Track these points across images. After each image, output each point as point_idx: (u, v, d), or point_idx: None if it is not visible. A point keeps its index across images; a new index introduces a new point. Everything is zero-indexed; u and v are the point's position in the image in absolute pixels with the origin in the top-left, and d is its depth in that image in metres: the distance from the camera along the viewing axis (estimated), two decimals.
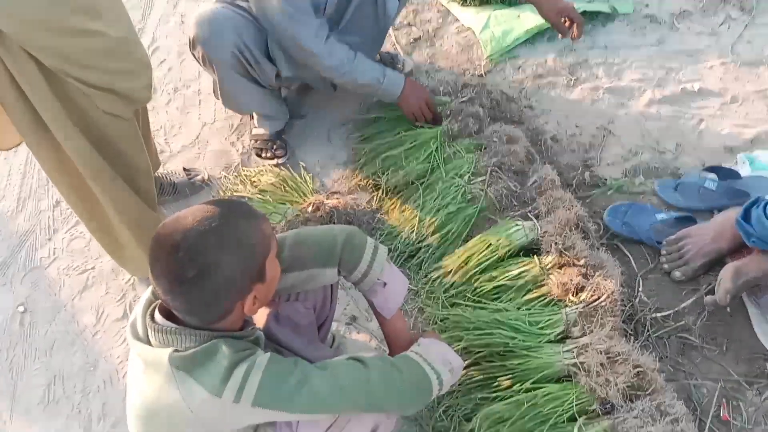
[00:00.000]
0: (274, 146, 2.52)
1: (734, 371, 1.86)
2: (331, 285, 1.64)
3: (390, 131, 2.52)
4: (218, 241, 1.19)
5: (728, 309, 1.92)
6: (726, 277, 1.87)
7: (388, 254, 1.60)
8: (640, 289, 2.03)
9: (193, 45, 2.21)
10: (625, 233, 2.14)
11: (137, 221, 1.99)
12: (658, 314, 1.96)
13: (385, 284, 1.55)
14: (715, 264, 2.04)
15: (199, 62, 2.27)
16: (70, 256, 2.35)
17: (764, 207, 1.83)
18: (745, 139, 2.38)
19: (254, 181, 2.41)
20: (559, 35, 2.32)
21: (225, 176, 2.50)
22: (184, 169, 2.50)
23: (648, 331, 1.94)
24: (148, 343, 1.28)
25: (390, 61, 2.76)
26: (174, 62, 3.00)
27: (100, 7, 1.65)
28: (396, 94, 2.36)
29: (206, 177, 2.50)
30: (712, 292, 1.97)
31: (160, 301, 1.29)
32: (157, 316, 1.28)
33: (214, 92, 2.56)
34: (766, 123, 2.42)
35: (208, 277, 1.19)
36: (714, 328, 1.94)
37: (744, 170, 2.24)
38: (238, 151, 2.60)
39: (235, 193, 2.38)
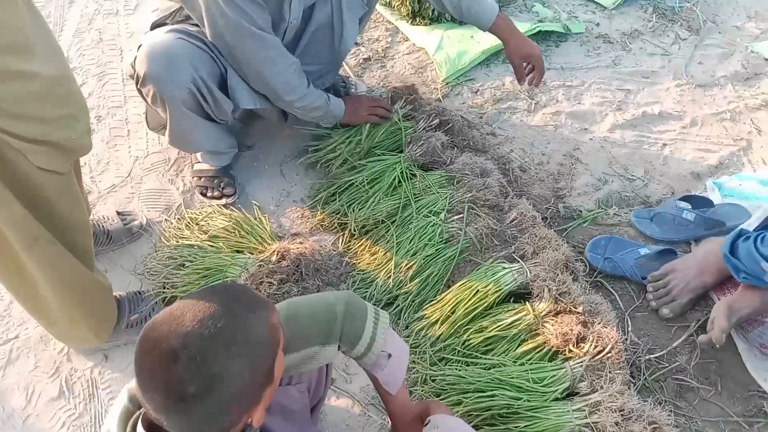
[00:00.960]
0: (222, 183, 2.26)
1: (732, 411, 1.81)
2: None
3: (348, 156, 2.33)
4: (226, 347, 0.97)
5: (717, 345, 1.88)
6: (720, 315, 1.82)
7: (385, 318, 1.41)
8: (629, 329, 1.95)
9: (142, 82, 1.92)
10: (608, 269, 2.06)
11: (75, 286, 1.69)
12: (652, 355, 1.89)
13: (389, 356, 1.37)
14: (701, 299, 1.99)
15: (146, 100, 1.99)
16: None
17: (755, 241, 1.79)
18: (709, 164, 2.36)
19: (202, 226, 2.15)
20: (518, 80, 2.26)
21: (166, 220, 2.22)
22: (118, 213, 2.20)
23: (644, 374, 1.86)
24: None
25: (341, 84, 2.57)
26: (94, 86, 2.67)
27: (32, 43, 1.36)
28: (340, 114, 2.31)
29: (144, 221, 2.21)
30: (701, 328, 1.93)
31: (142, 411, 1.06)
32: (140, 430, 1.05)
33: (146, 122, 2.29)
34: (726, 147, 2.42)
35: (215, 391, 0.96)
36: (706, 366, 1.89)
37: (714, 197, 2.22)
38: (178, 189, 2.33)
39: (181, 239, 2.11)
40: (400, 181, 2.22)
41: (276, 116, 2.28)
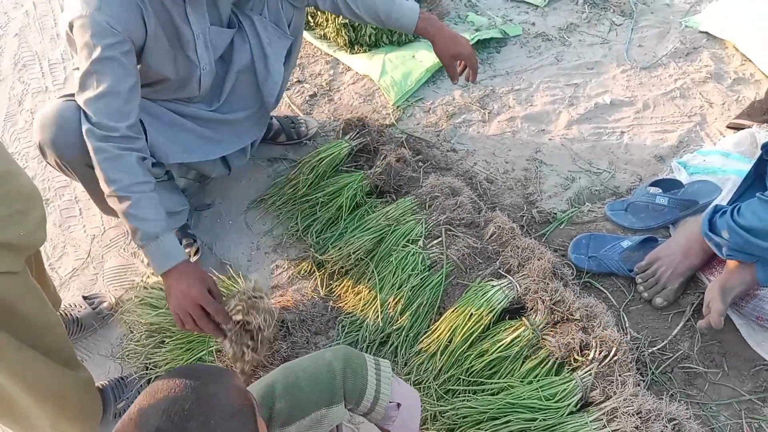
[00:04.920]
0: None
1: (743, 390, 1.80)
2: None
3: (310, 191, 2.30)
4: (204, 425, 0.90)
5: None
6: (714, 297, 1.80)
7: (380, 362, 1.34)
8: (627, 325, 1.93)
9: (42, 153, 1.83)
10: (594, 268, 2.03)
11: (51, 390, 1.58)
12: (654, 348, 1.87)
13: (398, 405, 1.31)
14: (690, 281, 1.98)
15: (58, 171, 1.90)
16: None
17: (731, 215, 1.77)
18: (670, 145, 2.37)
19: None
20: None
21: (135, 297, 2.11)
22: (84, 297, 2.09)
23: (650, 369, 1.83)
24: None
25: (290, 125, 2.51)
26: (36, 169, 2.55)
27: None
28: (165, 266, 1.68)
29: (113, 301, 2.11)
30: (697, 311, 1.92)
31: None
32: None
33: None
34: (682, 125, 2.44)
35: None
36: (709, 349, 1.88)
37: (682, 177, 2.23)
38: (143, 262, 2.23)
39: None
40: (361, 200, 2.23)
41: (216, 170, 2.19)
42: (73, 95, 1.81)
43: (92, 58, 1.62)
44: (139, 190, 1.67)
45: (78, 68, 1.71)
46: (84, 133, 1.67)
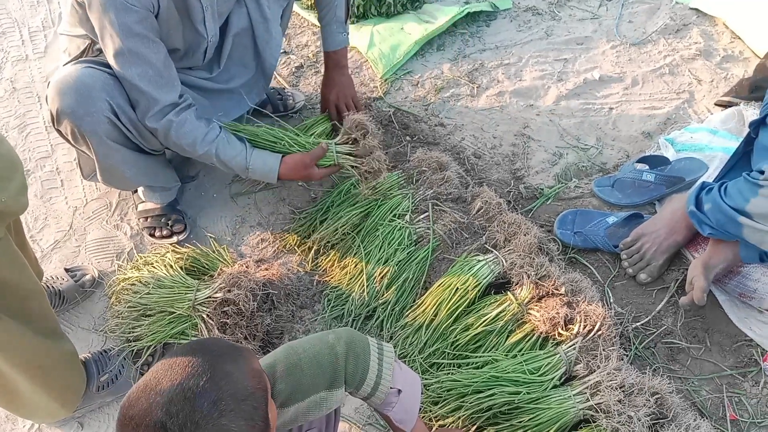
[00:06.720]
0: (169, 221, 2.15)
1: (724, 365, 1.82)
2: None
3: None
4: (215, 405, 0.90)
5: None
6: (697, 275, 1.81)
7: (381, 344, 1.34)
8: (611, 300, 1.94)
9: (57, 120, 1.79)
10: (579, 244, 2.04)
11: (30, 360, 1.56)
12: (638, 323, 1.88)
13: (399, 391, 1.31)
14: (675, 257, 1.99)
15: (67, 140, 1.85)
16: None
17: (718, 191, 1.77)
18: (657, 122, 2.37)
19: (158, 270, 2.03)
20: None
21: (119, 267, 2.09)
22: (66, 270, 2.06)
23: (633, 344, 1.84)
24: None
25: (277, 98, 2.48)
26: (17, 139, 2.50)
27: None
28: (272, 179, 2.01)
29: (96, 274, 2.08)
30: (681, 287, 1.93)
31: None
32: None
33: (80, 170, 2.15)
34: (670, 102, 2.43)
35: None
36: (692, 324, 1.89)
37: (669, 153, 2.23)
38: (126, 234, 2.20)
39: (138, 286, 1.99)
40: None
41: None
42: (88, 60, 1.81)
43: (120, 38, 1.67)
44: (212, 138, 1.89)
45: (99, 44, 1.76)
46: (154, 121, 1.81)
